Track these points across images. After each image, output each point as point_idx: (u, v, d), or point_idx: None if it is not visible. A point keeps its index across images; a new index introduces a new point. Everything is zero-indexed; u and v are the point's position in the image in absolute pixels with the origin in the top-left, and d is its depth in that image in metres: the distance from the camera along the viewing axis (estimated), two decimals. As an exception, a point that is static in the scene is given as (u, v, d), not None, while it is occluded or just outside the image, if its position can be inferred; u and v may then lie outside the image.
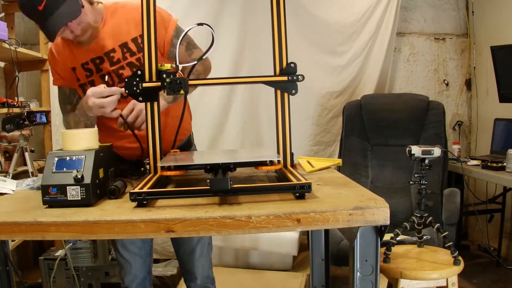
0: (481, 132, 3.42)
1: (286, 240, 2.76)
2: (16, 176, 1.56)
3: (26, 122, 1.54)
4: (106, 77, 1.56)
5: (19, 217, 1.06)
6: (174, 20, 1.65)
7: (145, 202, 1.10)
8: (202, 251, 1.81)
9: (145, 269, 1.83)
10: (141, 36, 1.49)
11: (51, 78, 1.79)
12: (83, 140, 1.24)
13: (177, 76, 1.31)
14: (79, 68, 1.62)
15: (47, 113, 3.06)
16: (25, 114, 1.54)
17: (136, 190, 1.11)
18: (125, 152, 1.64)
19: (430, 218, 1.83)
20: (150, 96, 1.35)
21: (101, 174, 1.22)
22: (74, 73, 1.63)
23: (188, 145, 1.82)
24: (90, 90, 1.42)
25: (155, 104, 1.36)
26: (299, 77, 1.34)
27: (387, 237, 1.59)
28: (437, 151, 1.77)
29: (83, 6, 1.47)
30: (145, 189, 1.12)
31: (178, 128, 1.49)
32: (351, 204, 1.05)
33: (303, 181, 1.12)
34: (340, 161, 1.80)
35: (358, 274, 1.11)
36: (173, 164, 1.30)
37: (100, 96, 1.40)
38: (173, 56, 1.57)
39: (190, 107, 1.81)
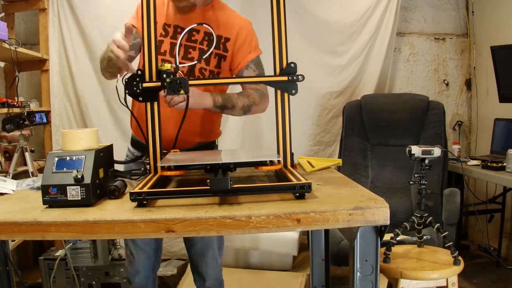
0: (481, 132, 3.42)
1: (286, 240, 2.76)
2: (16, 176, 1.56)
3: (26, 122, 1.54)
4: (177, 47, 1.48)
5: (19, 217, 1.06)
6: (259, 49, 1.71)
7: (145, 202, 1.10)
8: (214, 254, 1.82)
9: (149, 266, 1.82)
10: (226, 39, 1.62)
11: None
12: (83, 140, 1.24)
13: (177, 76, 1.31)
14: (159, 26, 1.61)
15: (47, 113, 3.06)
16: (25, 114, 1.54)
17: (136, 190, 1.11)
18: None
19: (430, 218, 1.83)
20: (150, 96, 1.35)
21: (101, 174, 1.22)
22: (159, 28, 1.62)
23: (210, 147, 1.83)
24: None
25: (155, 104, 1.36)
26: (299, 77, 1.34)
27: (387, 237, 1.59)
28: (437, 151, 1.77)
29: None
30: (145, 189, 1.12)
31: (180, 126, 1.48)
32: (351, 204, 1.05)
33: (303, 181, 1.12)
34: (340, 161, 1.80)
35: (358, 274, 1.11)
36: (173, 164, 1.30)
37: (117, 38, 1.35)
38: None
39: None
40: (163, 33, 1.64)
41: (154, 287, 1.89)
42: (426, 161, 1.80)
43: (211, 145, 1.83)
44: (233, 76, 1.70)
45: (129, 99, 1.42)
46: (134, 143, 1.82)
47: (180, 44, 1.61)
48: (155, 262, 1.86)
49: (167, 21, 1.65)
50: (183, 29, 1.59)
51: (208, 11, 1.67)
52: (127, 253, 1.82)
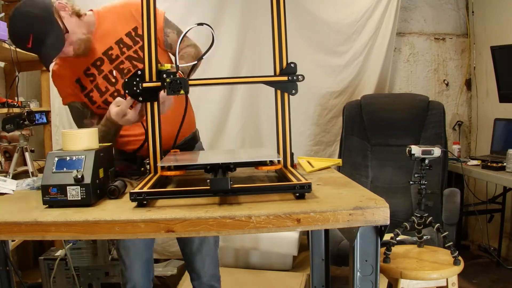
0: (481, 132, 3.42)
1: (286, 240, 2.76)
2: (16, 176, 1.56)
3: (26, 122, 1.54)
4: (109, 75, 1.59)
5: (19, 217, 1.06)
6: (160, 12, 1.67)
7: (145, 202, 1.10)
8: (208, 250, 1.82)
9: (147, 278, 1.82)
10: (134, 29, 1.61)
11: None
12: (83, 140, 1.24)
13: (177, 76, 1.31)
14: (83, 76, 1.66)
15: (47, 113, 3.06)
16: (25, 114, 1.54)
17: (136, 190, 1.11)
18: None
19: (430, 218, 1.83)
20: (150, 96, 1.35)
21: (101, 174, 1.22)
22: (79, 84, 1.67)
23: (193, 142, 1.83)
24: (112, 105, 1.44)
25: (155, 104, 1.36)
26: (299, 77, 1.34)
27: (387, 237, 1.59)
28: (437, 151, 1.77)
29: (67, 31, 1.51)
30: (145, 189, 1.12)
31: (180, 127, 1.50)
32: (351, 204, 1.05)
33: (303, 181, 1.12)
34: (340, 161, 1.80)
35: (358, 274, 1.11)
36: (173, 164, 1.30)
37: (117, 105, 1.41)
38: (168, 45, 1.66)
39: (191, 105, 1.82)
40: (92, 78, 1.66)
41: None
42: (426, 161, 1.80)
43: (193, 138, 1.83)
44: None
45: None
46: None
47: (110, 71, 1.64)
48: (151, 271, 1.86)
49: (84, 67, 1.65)
50: (100, 59, 1.63)
51: (101, 25, 1.65)
52: (122, 269, 1.80)
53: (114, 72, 1.64)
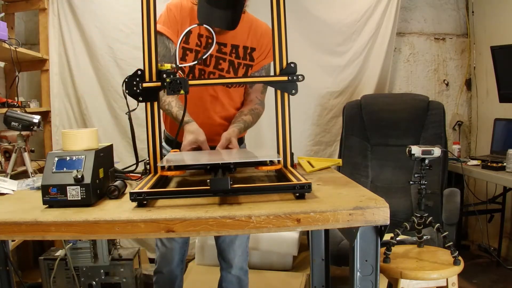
0: (481, 132, 3.42)
1: (286, 240, 2.76)
2: (16, 176, 1.55)
3: (35, 128, 1.54)
4: (208, 56, 1.65)
5: (19, 217, 1.06)
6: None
7: (145, 202, 1.10)
8: (242, 242, 1.87)
9: (179, 256, 1.88)
10: (252, 49, 1.69)
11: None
12: (83, 140, 1.24)
13: (177, 76, 1.31)
14: (194, 36, 1.67)
15: (47, 113, 3.06)
16: (37, 124, 1.53)
17: (136, 190, 1.11)
18: None
19: (430, 218, 1.83)
20: (150, 96, 1.35)
21: (101, 174, 1.22)
22: (186, 35, 1.66)
23: (240, 141, 1.89)
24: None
25: (155, 104, 1.36)
26: (299, 77, 1.34)
27: (387, 237, 1.59)
28: (437, 151, 1.77)
29: None
30: (145, 189, 1.12)
31: (180, 126, 1.51)
32: (351, 204, 1.05)
33: (303, 181, 1.12)
34: (340, 161, 1.80)
35: (358, 274, 1.11)
36: (173, 164, 1.30)
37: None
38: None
39: None
40: (199, 43, 1.69)
41: (182, 275, 1.95)
42: (426, 161, 1.80)
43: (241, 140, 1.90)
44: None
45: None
46: (169, 142, 1.86)
47: (211, 55, 1.69)
48: (185, 251, 1.92)
49: (202, 32, 1.68)
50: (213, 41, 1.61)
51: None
52: (158, 246, 1.88)
53: (212, 59, 1.69)
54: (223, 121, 1.76)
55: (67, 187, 1.12)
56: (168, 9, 1.67)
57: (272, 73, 1.52)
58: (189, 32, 1.65)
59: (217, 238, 1.90)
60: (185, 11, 1.66)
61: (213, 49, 1.51)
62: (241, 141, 1.89)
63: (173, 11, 1.66)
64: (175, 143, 1.63)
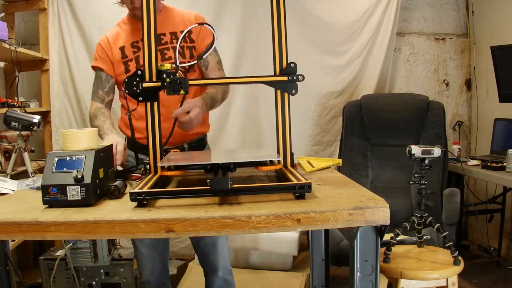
0: (481, 132, 3.42)
1: (286, 240, 2.76)
2: (16, 176, 1.56)
3: (35, 128, 1.54)
4: (177, 48, 1.69)
5: (19, 217, 1.06)
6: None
7: (145, 202, 1.10)
8: (223, 244, 1.86)
9: (162, 263, 1.87)
10: (189, 32, 1.75)
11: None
12: (83, 140, 1.24)
13: (177, 76, 1.31)
14: (128, 47, 1.78)
15: (47, 113, 3.06)
16: (37, 124, 1.54)
17: (136, 190, 1.11)
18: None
19: (430, 218, 1.83)
20: (150, 96, 1.35)
21: (101, 174, 1.22)
22: (121, 51, 1.79)
23: (202, 144, 1.88)
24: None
25: (155, 104, 1.36)
26: (299, 77, 1.34)
27: (387, 237, 1.59)
28: (437, 151, 1.77)
29: None
30: (145, 189, 1.12)
31: (173, 128, 1.52)
32: (351, 204, 1.05)
33: (303, 181, 1.12)
34: (340, 161, 1.80)
35: (358, 274, 1.11)
36: (173, 164, 1.30)
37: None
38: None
39: None
40: (135, 50, 1.77)
41: (169, 281, 1.94)
42: (426, 161, 1.80)
43: (203, 139, 1.88)
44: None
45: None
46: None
47: (174, 48, 1.75)
48: (166, 257, 1.91)
49: (134, 39, 1.78)
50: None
51: (162, 16, 1.79)
52: (137, 257, 1.85)
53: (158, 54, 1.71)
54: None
55: (67, 187, 1.13)
56: (98, 45, 1.84)
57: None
58: (122, 46, 1.78)
59: (197, 245, 1.87)
60: (113, 38, 1.82)
61: (213, 45, 1.50)
62: (203, 142, 1.90)
63: (103, 46, 1.82)
64: (131, 144, 1.67)
